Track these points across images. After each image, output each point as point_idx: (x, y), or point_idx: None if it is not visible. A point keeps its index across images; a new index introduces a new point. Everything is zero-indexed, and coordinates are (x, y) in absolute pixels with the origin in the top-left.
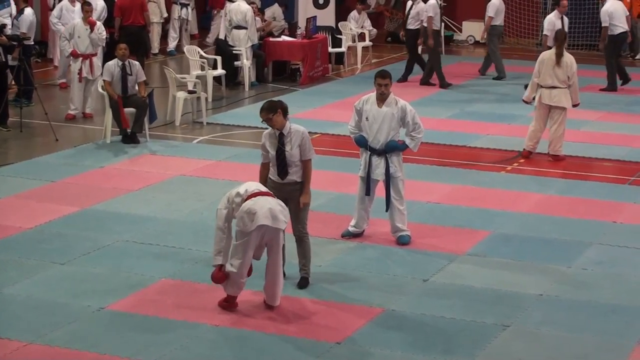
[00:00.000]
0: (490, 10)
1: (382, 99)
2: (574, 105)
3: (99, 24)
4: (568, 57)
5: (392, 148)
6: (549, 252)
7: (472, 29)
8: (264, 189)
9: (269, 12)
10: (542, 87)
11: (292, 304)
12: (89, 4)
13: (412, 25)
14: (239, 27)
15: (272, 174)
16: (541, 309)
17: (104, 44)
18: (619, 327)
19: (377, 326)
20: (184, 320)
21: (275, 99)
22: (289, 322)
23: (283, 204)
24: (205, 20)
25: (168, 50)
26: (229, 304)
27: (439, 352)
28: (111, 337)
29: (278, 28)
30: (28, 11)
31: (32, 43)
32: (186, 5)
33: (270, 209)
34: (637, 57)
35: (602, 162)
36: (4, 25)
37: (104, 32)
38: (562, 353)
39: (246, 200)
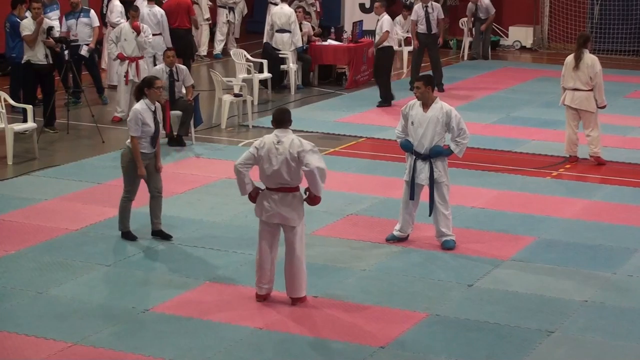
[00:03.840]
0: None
1: (425, 103)
2: (601, 107)
3: (145, 27)
4: (589, 59)
5: (437, 153)
6: (594, 258)
7: (518, 34)
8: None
9: None
10: (566, 89)
11: (335, 308)
12: (136, 9)
13: (434, 29)
14: (282, 31)
15: None
16: (586, 316)
17: (150, 47)
18: None
19: (421, 331)
20: (227, 323)
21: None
22: (332, 326)
23: None
24: (251, 25)
25: (214, 53)
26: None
27: (483, 357)
28: (155, 339)
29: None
30: None
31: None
32: (232, 9)
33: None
34: None
35: None
36: (52, 28)
37: (151, 35)
38: None
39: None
